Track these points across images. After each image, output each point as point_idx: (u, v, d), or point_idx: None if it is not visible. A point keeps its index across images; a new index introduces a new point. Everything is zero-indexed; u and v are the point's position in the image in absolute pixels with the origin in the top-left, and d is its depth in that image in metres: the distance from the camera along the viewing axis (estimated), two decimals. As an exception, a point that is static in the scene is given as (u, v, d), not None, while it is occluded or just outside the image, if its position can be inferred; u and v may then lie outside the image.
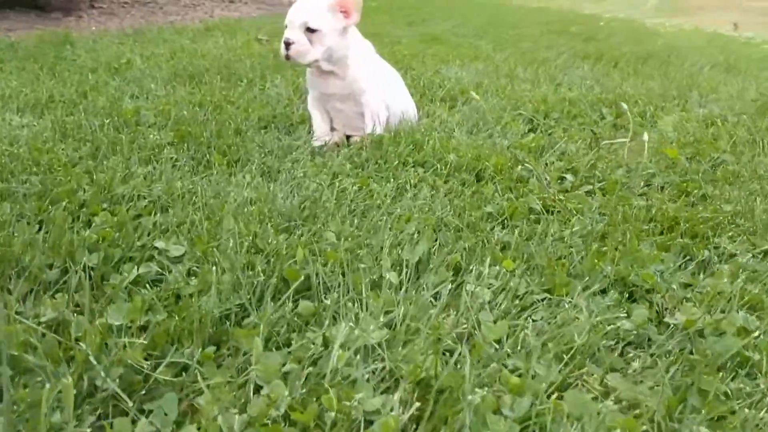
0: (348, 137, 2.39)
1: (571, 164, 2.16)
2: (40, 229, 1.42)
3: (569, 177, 2.08)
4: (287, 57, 2.15)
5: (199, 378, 0.98)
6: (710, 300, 1.32)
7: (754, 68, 4.61)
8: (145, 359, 1.01)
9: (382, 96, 2.30)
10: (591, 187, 2.00)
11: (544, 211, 1.71)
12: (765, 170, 2.13)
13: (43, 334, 1.04)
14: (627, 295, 1.35)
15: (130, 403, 0.93)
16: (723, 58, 4.95)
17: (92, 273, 1.27)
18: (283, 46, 2.16)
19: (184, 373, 1.01)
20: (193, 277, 1.26)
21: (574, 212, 1.72)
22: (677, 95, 3.38)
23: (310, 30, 2.13)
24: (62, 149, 1.95)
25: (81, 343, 0.99)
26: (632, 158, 2.24)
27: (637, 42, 5.71)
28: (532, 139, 2.34)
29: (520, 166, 2.01)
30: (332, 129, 2.38)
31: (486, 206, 1.72)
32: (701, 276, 1.44)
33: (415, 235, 1.49)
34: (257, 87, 3.00)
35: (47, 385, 0.87)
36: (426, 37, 5.08)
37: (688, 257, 1.53)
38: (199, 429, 0.91)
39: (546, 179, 1.97)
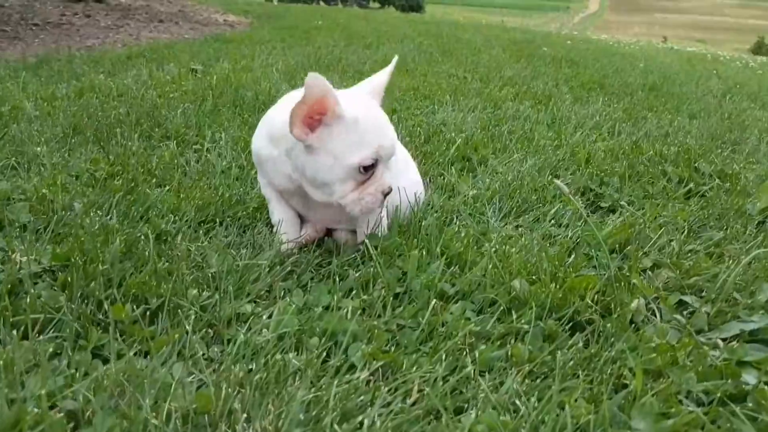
0: (329, 231, 1.57)
1: (688, 277, 1.39)
2: None
3: (691, 301, 1.32)
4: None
5: None
6: None
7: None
8: None
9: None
10: (741, 326, 1.23)
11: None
12: None
13: None
14: None
15: None
16: (722, 80, 4.36)
17: None
18: (380, 196, 1.36)
19: None
20: None
21: None
22: (735, 140, 2.69)
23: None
24: None
25: None
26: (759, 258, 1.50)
27: (622, 67, 5.07)
28: (613, 230, 1.57)
29: (636, 300, 1.22)
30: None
31: (627, 413, 0.92)
32: None
33: None
34: (192, 147, 2.14)
35: None
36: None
37: None
38: None
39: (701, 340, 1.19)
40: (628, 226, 1.57)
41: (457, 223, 1.62)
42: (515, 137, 2.38)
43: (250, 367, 1.00)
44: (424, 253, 1.35)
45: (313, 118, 1.29)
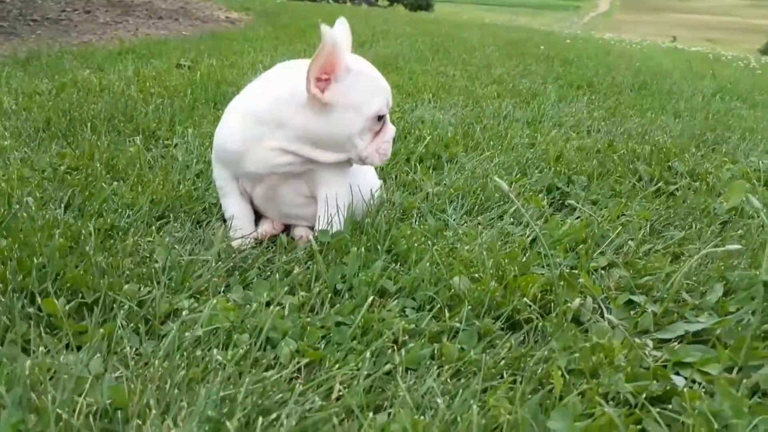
0: (287, 227, 1.57)
1: (640, 276, 1.38)
2: None
3: (641, 300, 1.31)
4: None
5: None
6: None
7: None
8: None
9: (346, 171, 1.48)
10: (686, 326, 1.22)
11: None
12: None
13: None
14: None
15: None
16: (717, 80, 4.32)
17: None
18: (391, 143, 1.44)
19: None
20: None
21: (715, 424, 0.92)
22: (712, 139, 2.66)
23: None
24: None
25: None
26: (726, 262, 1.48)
27: (615, 65, 5.04)
28: (570, 229, 1.55)
29: (578, 299, 1.21)
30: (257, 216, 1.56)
31: (545, 413, 0.91)
32: None
33: None
34: (161, 143, 2.14)
35: None
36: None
37: None
38: None
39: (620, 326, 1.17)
40: (585, 225, 1.56)
41: (416, 219, 1.61)
42: (488, 135, 2.37)
43: (174, 363, 0.99)
44: (368, 250, 1.34)
45: (321, 79, 1.28)
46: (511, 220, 1.65)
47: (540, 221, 1.65)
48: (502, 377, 1.00)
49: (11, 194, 1.57)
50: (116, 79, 3.17)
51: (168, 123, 2.33)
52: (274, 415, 0.88)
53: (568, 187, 1.90)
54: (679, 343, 1.17)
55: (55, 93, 2.83)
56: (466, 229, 1.57)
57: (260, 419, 0.85)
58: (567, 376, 1.00)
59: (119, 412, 0.88)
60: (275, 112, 1.35)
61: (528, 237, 1.53)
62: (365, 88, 1.35)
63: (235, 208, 1.50)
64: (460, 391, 0.95)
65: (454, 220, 1.64)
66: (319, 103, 1.31)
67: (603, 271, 1.42)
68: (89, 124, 2.23)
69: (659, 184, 1.99)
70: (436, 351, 1.05)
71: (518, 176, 1.95)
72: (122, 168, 1.82)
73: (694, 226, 1.69)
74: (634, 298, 1.32)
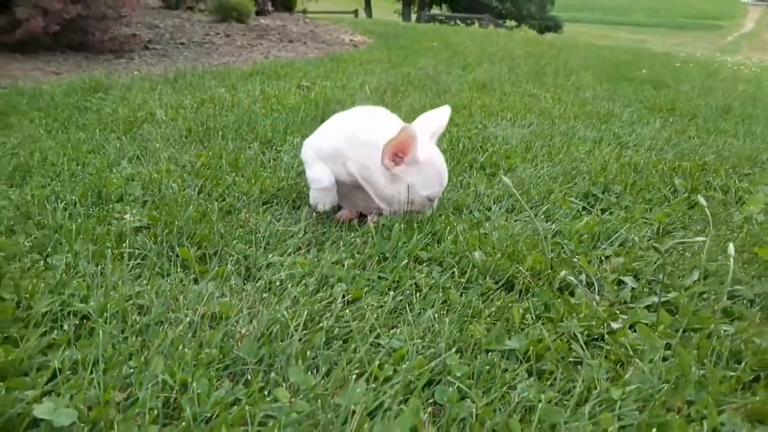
0: (362, 216, 2.02)
1: (633, 262, 1.71)
2: None
3: (629, 281, 1.64)
4: None
5: None
6: None
7: None
8: None
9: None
10: (655, 299, 1.55)
11: (586, 351, 1.27)
12: None
13: None
14: None
15: None
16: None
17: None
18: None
19: None
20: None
21: (631, 352, 1.27)
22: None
23: None
24: (10, 238, 1.64)
25: None
26: (713, 256, 1.77)
27: (712, 89, 5.15)
28: (585, 225, 1.90)
29: (564, 271, 1.57)
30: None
31: (509, 339, 1.30)
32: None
33: (398, 398, 1.08)
34: (274, 148, 2.66)
35: None
36: (477, 84, 4.67)
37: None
38: None
39: (594, 297, 1.53)
40: (597, 222, 1.90)
41: (464, 213, 2.01)
42: (546, 149, 2.72)
43: (264, 295, 1.46)
44: (412, 229, 1.77)
45: (397, 155, 1.76)
46: (543, 217, 2.02)
47: (567, 219, 2.00)
48: (489, 318, 1.39)
49: (161, 181, 2.12)
50: (245, 97, 3.77)
51: (282, 133, 2.86)
52: (321, 324, 1.32)
53: (603, 194, 2.23)
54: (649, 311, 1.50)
55: (196, 107, 3.46)
56: (503, 223, 1.95)
57: (310, 323, 1.30)
58: (534, 318, 1.38)
59: (224, 318, 1.35)
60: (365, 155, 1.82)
61: (552, 232, 1.90)
62: (427, 176, 1.82)
63: (324, 172, 1.93)
64: (449, 323, 1.35)
65: (495, 215, 2.02)
66: (389, 171, 1.77)
67: (605, 258, 1.76)
68: (220, 133, 2.79)
69: (691, 196, 2.27)
70: (445, 297, 1.46)
71: (561, 184, 2.30)
72: (242, 165, 2.35)
73: (706, 230, 1.98)
74: (625, 279, 1.66)
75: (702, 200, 1.78)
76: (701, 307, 1.51)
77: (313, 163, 1.93)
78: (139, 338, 1.23)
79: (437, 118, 1.95)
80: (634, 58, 7.99)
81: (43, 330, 1.24)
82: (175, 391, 1.07)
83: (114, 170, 2.26)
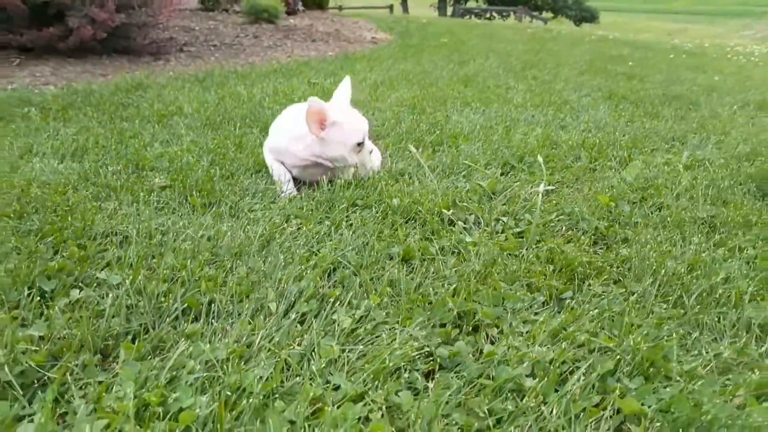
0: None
1: (512, 208, 2.39)
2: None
3: (505, 219, 2.32)
4: None
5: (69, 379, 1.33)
6: (532, 334, 1.55)
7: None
8: (49, 360, 1.38)
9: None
10: (521, 229, 2.23)
11: (440, 253, 1.97)
12: (673, 219, 2.28)
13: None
14: (469, 328, 1.60)
15: (20, 392, 1.29)
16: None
17: (47, 295, 1.67)
18: (368, 155, 2.65)
19: (68, 375, 1.36)
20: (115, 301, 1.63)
21: (473, 253, 1.96)
22: (678, 138, 3.49)
23: None
24: (74, 192, 2.40)
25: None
26: (576, 204, 2.44)
27: (677, 81, 5.71)
28: (490, 183, 2.58)
29: (451, 210, 2.26)
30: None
31: (393, 247, 1.99)
32: (547, 314, 1.66)
33: (307, 271, 1.79)
34: (272, 133, 3.39)
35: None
36: (463, 78, 5.34)
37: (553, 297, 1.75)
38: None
39: (470, 224, 2.22)
40: (498, 181, 2.58)
41: (404, 178, 2.70)
42: (491, 132, 3.40)
43: (244, 225, 2.18)
44: (357, 187, 2.47)
45: (321, 123, 2.46)
46: (464, 179, 2.70)
47: (482, 180, 2.68)
48: (388, 237, 2.08)
49: (182, 156, 2.87)
50: (258, 93, 4.52)
51: (281, 121, 3.58)
52: (276, 239, 2.03)
53: (518, 164, 2.90)
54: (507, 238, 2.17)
55: (217, 102, 4.22)
56: (428, 183, 2.64)
57: (270, 239, 2.02)
58: (419, 238, 2.07)
59: (215, 236, 2.07)
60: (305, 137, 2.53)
61: (465, 189, 2.58)
62: (349, 128, 2.49)
63: (282, 174, 2.65)
64: (358, 235, 2.05)
65: (430, 180, 2.71)
66: (319, 137, 2.46)
67: (494, 206, 2.44)
68: (232, 121, 3.54)
69: (590, 163, 2.92)
70: (364, 226, 2.16)
71: (488, 156, 2.97)
72: (244, 146, 3.08)
73: (574, 185, 2.63)
74: (503, 218, 2.33)
75: (540, 159, 2.45)
76: (548, 233, 2.19)
77: (272, 164, 2.65)
78: (159, 247, 1.96)
79: (344, 88, 2.65)
80: (631, 51, 8.53)
81: (99, 242, 1.98)
82: (178, 270, 1.80)
83: (148, 149, 3.02)
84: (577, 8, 39.80)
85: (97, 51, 6.70)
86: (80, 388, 1.32)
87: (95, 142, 3.12)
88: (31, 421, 1.22)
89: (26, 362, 1.36)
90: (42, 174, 2.61)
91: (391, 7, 29.06)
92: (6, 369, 1.32)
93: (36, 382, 1.34)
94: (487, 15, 36.25)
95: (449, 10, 37.89)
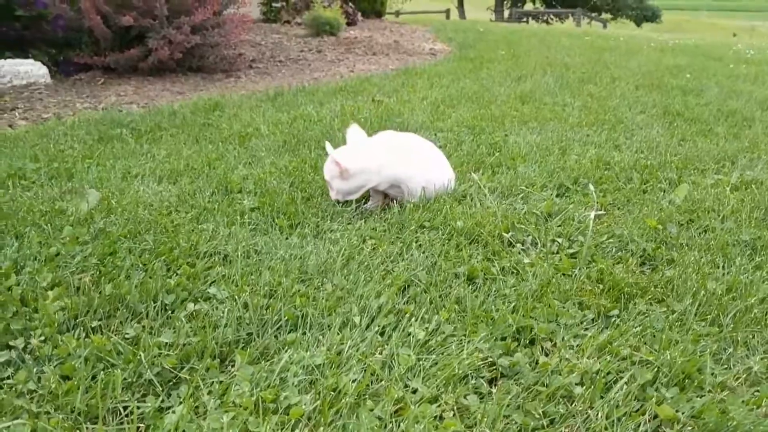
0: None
1: (566, 229, 2.61)
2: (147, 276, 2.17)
3: (560, 240, 2.55)
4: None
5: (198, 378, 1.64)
6: (582, 348, 1.79)
7: None
8: (179, 363, 1.70)
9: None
10: (575, 250, 2.46)
11: (501, 272, 2.22)
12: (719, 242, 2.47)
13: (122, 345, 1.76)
14: (527, 341, 1.85)
15: (160, 388, 1.61)
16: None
17: (167, 307, 1.99)
18: None
19: (197, 375, 1.67)
20: (225, 313, 1.94)
21: (531, 273, 2.21)
22: (729, 157, 3.64)
23: None
24: (176, 214, 2.74)
25: (140, 352, 1.69)
26: (626, 226, 2.65)
27: (734, 94, 5.79)
28: (546, 206, 2.81)
29: (510, 233, 2.51)
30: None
31: (459, 267, 2.25)
32: (595, 330, 1.89)
33: (385, 289, 2.07)
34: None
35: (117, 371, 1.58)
36: (520, 95, 5.55)
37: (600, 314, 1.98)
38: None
39: (524, 247, 2.46)
40: (554, 204, 2.81)
41: (466, 200, 2.96)
42: (548, 153, 3.62)
43: (327, 245, 2.47)
44: (419, 209, 2.74)
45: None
46: (521, 201, 2.94)
47: (538, 202, 2.91)
48: (453, 257, 2.35)
49: (266, 179, 3.19)
50: (327, 113, 4.84)
51: (351, 143, 3.89)
52: (354, 258, 2.32)
53: (573, 185, 3.12)
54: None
55: (290, 122, 4.55)
56: (489, 206, 2.89)
57: (349, 258, 2.31)
58: (482, 258, 2.32)
59: (306, 261, 2.37)
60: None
61: (523, 210, 2.82)
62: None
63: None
64: (426, 255, 2.32)
65: (490, 201, 2.96)
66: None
67: (549, 226, 2.67)
68: (306, 144, 3.86)
69: (641, 185, 3.12)
70: (432, 247, 2.43)
71: (544, 178, 3.20)
72: (319, 168, 3.39)
73: (624, 209, 2.83)
74: (558, 239, 2.56)
75: (591, 187, 2.66)
76: (599, 255, 2.41)
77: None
78: (256, 265, 2.27)
79: (355, 132, 3.01)
80: (690, 60, 8.56)
81: (206, 260, 2.30)
82: (274, 286, 2.10)
83: (234, 172, 3.35)
84: (638, 7, 39.02)
85: (173, 69, 7.17)
86: (206, 386, 1.62)
87: (186, 165, 3.47)
88: (173, 412, 1.53)
89: (161, 364, 1.67)
90: (145, 195, 2.97)
91: (447, 12, 29.19)
92: (148, 370, 1.64)
93: (170, 381, 1.66)
94: (544, 18, 36.06)
95: (506, 13, 37.78)
